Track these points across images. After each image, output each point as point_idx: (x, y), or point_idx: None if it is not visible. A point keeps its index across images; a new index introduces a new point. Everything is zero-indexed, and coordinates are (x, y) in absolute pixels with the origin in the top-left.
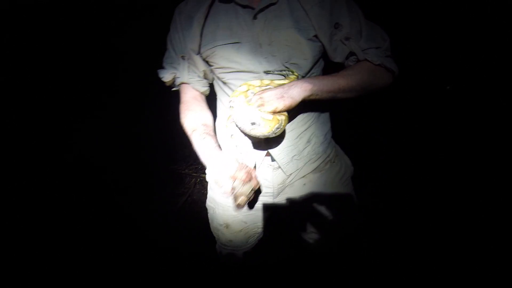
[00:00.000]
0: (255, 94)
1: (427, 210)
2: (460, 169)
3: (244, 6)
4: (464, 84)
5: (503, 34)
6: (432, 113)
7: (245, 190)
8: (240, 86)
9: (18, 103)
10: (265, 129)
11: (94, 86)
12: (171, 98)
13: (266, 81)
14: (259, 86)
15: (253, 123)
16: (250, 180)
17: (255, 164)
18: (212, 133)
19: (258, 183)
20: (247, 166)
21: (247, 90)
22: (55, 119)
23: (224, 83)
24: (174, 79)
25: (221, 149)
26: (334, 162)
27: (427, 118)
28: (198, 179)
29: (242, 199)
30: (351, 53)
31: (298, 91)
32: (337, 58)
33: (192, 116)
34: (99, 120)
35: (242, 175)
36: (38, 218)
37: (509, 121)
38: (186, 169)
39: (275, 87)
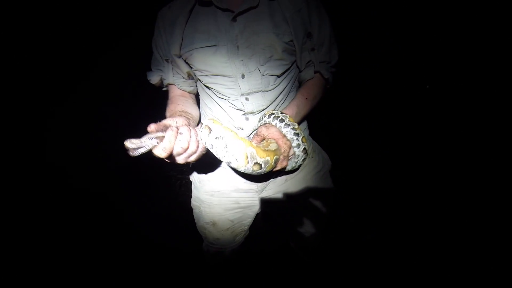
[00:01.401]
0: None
1: (421, 206)
2: (452, 166)
3: (223, 10)
4: (443, 82)
5: (487, 32)
6: (417, 110)
7: (137, 141)
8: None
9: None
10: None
11: (72, 84)
12: (156, 98)
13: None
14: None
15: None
16: (158, 130)
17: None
18: (188, 117)
19: (169, 139)
20: (175, 130)
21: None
22: (38, 118)
23: (204, 85)
24: (161, 81)
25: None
26: (312, 157)
27: (412, 115)
28: (184, 181)
29: (132, 140)
30: (309, 62)
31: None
32: (301, 64)
33: (173, 106)
34: (77, 122)
35: (160, 122)
36: (41, 217)
37: (499, 118)
38: (171, 171)
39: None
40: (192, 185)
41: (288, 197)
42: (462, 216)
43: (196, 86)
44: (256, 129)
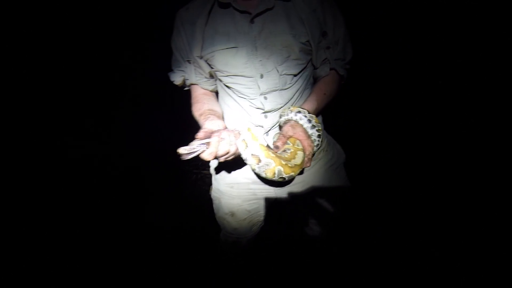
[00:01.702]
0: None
1: (431, 206)
2: (456, 165)
3: (241, 11)
4: (455, 79)
5: (493, 31)
6: (427, 107)
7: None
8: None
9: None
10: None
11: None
12: (172, 98)
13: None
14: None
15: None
16: (205, 138)
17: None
18: (217, 115)
19: (214, 144)
20: (219, 137)
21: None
22: (64, 119)
23: (225, 84)
24: (184, 81)
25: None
26: (326, 150)
27: (422, 114)
28: (199, 175)
29: (184, 147)
30: (325, 59)
31: None
32: (317, 62)
33: (200, 105)
34: (104, 120)
35: (206, 129)
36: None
37: (502, 118)
38: (187, 166)
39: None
40: (212, 178)
41: (303, 189)
42: (474, 217)
43: (216, 84)
44: (280, 126)
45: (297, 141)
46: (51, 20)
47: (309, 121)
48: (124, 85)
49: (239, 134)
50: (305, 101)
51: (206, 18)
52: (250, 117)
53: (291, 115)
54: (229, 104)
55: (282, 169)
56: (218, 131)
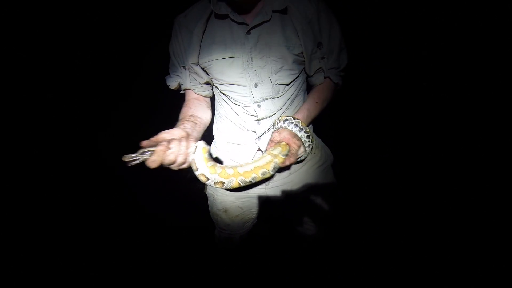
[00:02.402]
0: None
1: (427, 206)
2: (461, 166)
3: (238, 23)
4: (440, 81)
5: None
6: (423, 110)
7: (133, 155)
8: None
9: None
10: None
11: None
12: (171, 99)
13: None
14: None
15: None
16: (150, 146)
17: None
18: (196, 121)
19: (159, 153)
20: (169, 141)
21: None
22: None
23: (220, 91)
24: (179, 85)
25: (193, 130)
26: (314, 153)
27: (419, 115)
28: (193, 174)
29: (128, 155)
30: (319, 68)
31: None
32: (310, 71)
33: (186, 109)
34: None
35: (153, 138)
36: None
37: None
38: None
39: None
40: None
41: (292, 188)
42: (470, 217)
43: (212, 90)
44: (271, 134)
45: (287, 147)
46: (51, 20)
47: (296, 125)
48: (124, 84)
49: (196, 147)
50: (297, 111)
51: (203, 27)
52: (243, 122)
53: (280, 124)
54: (224, 109)
55: (234, 179)
56: (170, 140)
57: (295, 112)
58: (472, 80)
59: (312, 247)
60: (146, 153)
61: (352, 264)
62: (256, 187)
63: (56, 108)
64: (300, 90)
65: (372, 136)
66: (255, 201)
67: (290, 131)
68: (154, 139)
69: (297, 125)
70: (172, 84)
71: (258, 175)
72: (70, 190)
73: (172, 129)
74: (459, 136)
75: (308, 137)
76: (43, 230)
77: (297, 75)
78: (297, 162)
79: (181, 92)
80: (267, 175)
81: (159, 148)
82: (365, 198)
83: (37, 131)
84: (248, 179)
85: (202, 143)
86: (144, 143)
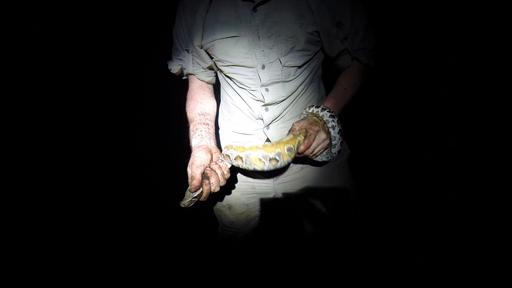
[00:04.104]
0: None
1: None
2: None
3: (244, 0)
4: (454, 79)
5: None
6: (423, 110)
7: (188, 195)
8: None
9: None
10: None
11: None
12: (176, 89)
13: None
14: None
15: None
16: (197, 189)
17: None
18: (208, 121)
19: (206, 192)
20: (209, 170)
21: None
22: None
23: (225, 75)
24: (181, 70)
25: (210, 138)
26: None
27: (420, 115)
28: None
29: (183, 202)
30: (344, 50)
31: None
32: (332, 53)
33: (193, 106)
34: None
35: (194, 180)
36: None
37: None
38: (187, 159)
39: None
40: None
41: (303, 184)
42: (470, 217)
43: (215, 76)
44: (280, 124)
45: (304, 132)
46: (51, 20)
47: (318, 106)
48: (123, 84)
49: (222, 160)
50: (323, 100)
51: (207, 6)
52: (250, 109)
53: (303, 113)
54: (230, 94)
55: (263, 151)
56: (207, 173)
57: (322, 102)
58: (472, 80)
59: (319, 248)
60: (196, 195)
61: (362, 266)
62: (263, 182)
63: (56, 108)
64: (315, 76)
65: (372, 137)
66: (262, 197)
67: (308, 119)
68: (196, 182)
69: (319, 106)
70: (174, 68)
71: (284, 151)
72: (70, 190)
73: (197, 155)
74: (460, 137)
75: (332, 116)
76: (43, 230)
77: (311, 56)
78: (323, 163)
79: (184, 77)
80: (288, 157)
81: (205, 188)
82: (373, 197)
83: (37, 131)
84: (272, 154)
85: (224, 153)
86: (192, 189)
